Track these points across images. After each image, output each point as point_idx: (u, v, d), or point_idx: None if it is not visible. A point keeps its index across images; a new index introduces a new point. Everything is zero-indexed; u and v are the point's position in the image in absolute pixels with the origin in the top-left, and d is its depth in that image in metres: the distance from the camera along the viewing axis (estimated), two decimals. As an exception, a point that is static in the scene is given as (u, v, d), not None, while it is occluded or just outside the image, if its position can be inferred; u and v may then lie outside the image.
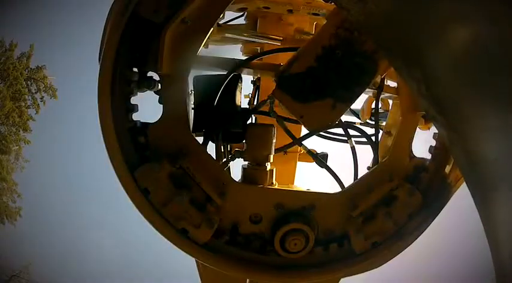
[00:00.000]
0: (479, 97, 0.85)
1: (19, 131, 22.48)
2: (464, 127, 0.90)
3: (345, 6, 1.20)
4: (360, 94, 1.72)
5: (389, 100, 2.53)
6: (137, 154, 1.70)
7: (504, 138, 0.80)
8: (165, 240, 1.79)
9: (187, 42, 1.67)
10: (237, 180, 1.95)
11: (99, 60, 1.64)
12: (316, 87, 1.66)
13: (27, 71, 22.63)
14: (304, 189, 2.27)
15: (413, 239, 1.87)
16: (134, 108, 1.72)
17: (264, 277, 1.88)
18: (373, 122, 2.35)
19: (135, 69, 1.69)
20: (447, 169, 1.86)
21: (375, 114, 2.08)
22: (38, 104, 23.03)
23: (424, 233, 1.89)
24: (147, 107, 1.88)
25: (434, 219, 1.87)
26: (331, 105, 1.69)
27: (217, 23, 2.76)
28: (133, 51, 1.63)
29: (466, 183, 1.00)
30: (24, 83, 22.49)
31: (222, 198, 1.77)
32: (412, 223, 1.85)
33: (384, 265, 1.92)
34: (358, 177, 1.96)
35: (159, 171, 1.67)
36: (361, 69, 1.66)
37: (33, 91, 23.06)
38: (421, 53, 0.93)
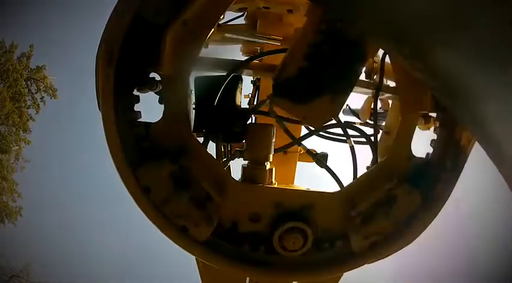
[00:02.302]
0: (462, 56, 0.83)
1: (19, 131, 22.51)
2: (462, 90, 0.90)
3: (323, 1, 1.17)
4: (355, 82, 1.70)
5: (389, 100, 2.54)
6: (139, 153, 1.71)
7: (503, 92, 0.79)
8: (166, 239, 1.80)
9: (188, 44, 1.67)
10: (237, 180, 1.96)
11: (97, 59, 1.65)
12: (312, 86, 1.65)
13: (27, 71, 22.65)
14: (304, 188, 2.28)
15: (439, 207, 1.86)
16: (136, 101, 1.73)
17: (263, 275, 1.89)
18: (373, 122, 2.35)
19: (137, 70, 1.70)
20: (457, 132, 1.85)
21: (374, 114, 2.08)
22: (38, 104, 23.07)
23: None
24: (147, 107, 1.89)
25: (454, 186, 1.87)
26: (331, 100, 1.68)
27: (218, 23, 2.77)
28: (135, 52, 1.64)
29: (478, 142, 1.00)
30: (24, 83, 22.51)
31: (222, 196, 1.78)
32: (436, 191, 1.85)
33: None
34: (357, 177, 1.97)
35: (160, 169, 1.68)
36: (350, 58, 1.65)
37: (33, 91, 23.09)
38: (400, 25, 0.92)
